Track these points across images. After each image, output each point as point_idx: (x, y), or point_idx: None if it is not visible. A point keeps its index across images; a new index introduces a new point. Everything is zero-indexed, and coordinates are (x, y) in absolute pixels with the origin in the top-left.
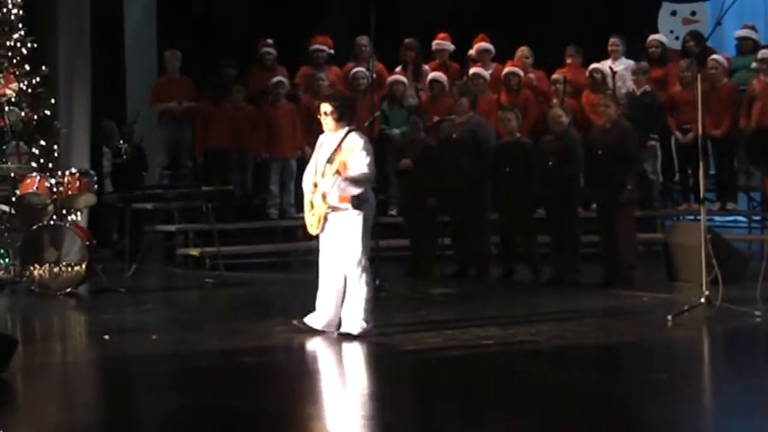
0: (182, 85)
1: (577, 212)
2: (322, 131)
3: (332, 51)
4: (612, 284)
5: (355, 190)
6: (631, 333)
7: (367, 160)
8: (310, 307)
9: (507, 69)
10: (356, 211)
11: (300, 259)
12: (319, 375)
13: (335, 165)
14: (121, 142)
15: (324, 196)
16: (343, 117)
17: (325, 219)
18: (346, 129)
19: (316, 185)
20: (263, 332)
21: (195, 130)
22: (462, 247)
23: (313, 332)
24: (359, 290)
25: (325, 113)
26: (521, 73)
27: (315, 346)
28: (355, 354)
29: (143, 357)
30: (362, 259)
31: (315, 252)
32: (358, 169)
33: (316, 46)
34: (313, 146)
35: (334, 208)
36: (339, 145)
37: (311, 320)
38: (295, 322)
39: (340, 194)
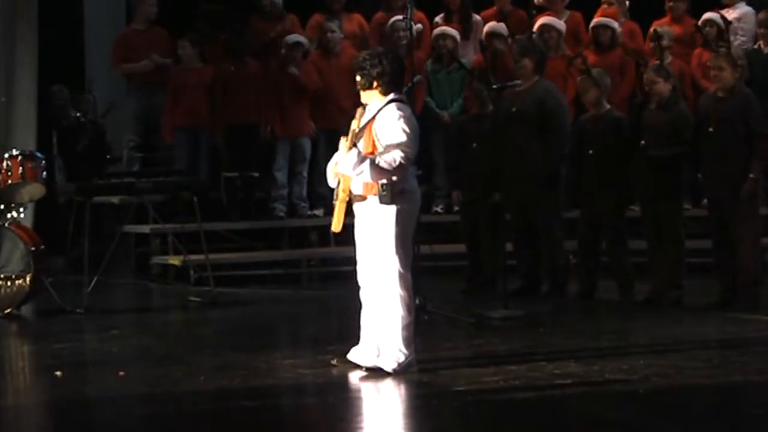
0: (154, 39)
1: (681, 210)
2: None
3: None
4: (730, 305)
5: (384, 176)
6: (757, 370)
7: (404, 137)
8: (344, 337)
9: (596, 20)
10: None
11: (315, 270)
12: (340, 424)
13: (361, 140)
14: (78, 114)
15: (345, 180)
16: (390, 84)
17: (348, 212)
18: (388, 98)
19: None
20: (266, 368)
21: (215, 101)
22: (529, 255)
23: (354, 370)
24: (394, 311)
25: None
26: (615, 25)
27: (335, 386)
28: (389, 397)
29: (107, 399)
30: (398, 269)
31: (335, 261)
32: (390, 140)
33: None
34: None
35: (358, 198)
36: (373, 118)
37: (355, 356)
38: (334, 361)
39: (364, 180)
